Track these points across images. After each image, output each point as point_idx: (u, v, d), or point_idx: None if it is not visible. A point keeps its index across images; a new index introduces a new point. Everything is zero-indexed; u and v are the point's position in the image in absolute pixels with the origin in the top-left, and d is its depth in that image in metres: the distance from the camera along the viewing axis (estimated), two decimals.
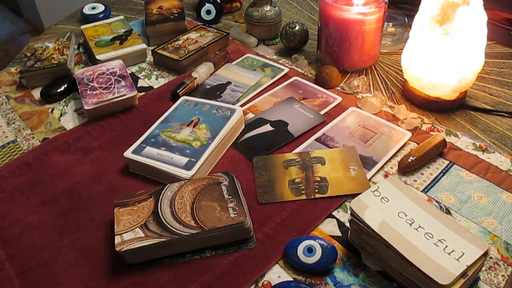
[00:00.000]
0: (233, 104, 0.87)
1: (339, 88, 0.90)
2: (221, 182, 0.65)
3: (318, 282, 0.57)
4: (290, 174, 0.71)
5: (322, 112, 0.84)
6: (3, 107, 0.90)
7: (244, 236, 0.61)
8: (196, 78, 0.91)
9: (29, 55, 0.97)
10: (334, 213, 0.65)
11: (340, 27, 0.90)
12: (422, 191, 0.68)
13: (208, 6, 1.14)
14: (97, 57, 0.97)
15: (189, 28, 1.08)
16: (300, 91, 0.90)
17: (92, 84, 0.88)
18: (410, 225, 0.54)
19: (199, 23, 1.12)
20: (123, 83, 0.88)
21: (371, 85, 0.92)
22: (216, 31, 1.06)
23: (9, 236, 0.65)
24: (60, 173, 0.74)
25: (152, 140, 0.75)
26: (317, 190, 0.68)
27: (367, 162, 0.72)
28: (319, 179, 0.70)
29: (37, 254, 0.62)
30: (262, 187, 0.69)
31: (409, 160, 0.70)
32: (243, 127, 0.81)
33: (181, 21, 1.08)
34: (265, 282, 0.57)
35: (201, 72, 0.93)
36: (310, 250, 0.58)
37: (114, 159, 0.76)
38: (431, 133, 0.78)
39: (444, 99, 0.82)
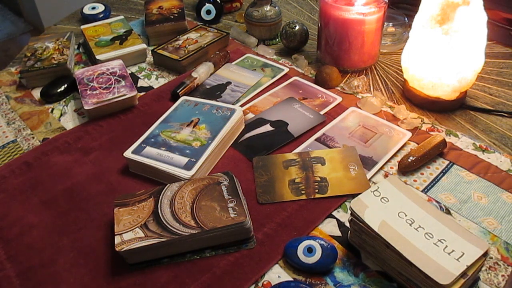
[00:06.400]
0: (233, 104, 0.87)
1: (339, 88, 0.91)
2: (221, 182, 0.65)
3: (318, 282, 0.57)
4: (290, 174, 0.71)
5: (322, 112, 0.84)
6: (3, 107, 0.90)
7: (244, 236, 0.61)
8: (196, 78, 0.91)
9: (29, 55, 0.97)
10: (334, 213, 0.65)
11: (340, 27, 0.90)
12: (422, 191, 0.68)
13: (208, 6, 1.14)
14: (97, 57, 0.97)
15: (189, 28, 1.08)
16: (300, 91, 0.90)
17: (92, 84, 0.88)
18: (410, 225, 0.54)
19: (199, 23, 1.12)
20: (123, 83, 0.88)
21: (371, 85, 0.92)
22: (216, 31, 1.06)
23: (9, 236, 0.65)
24: (60, 173, 0.74)
25: (152, 140, 0.75)
26: (317, 190, 0.68)
27: (367, 162, 0.72)
28: (319, 179, 0.70)
29: (37, 254, 0.62)
30: (262, 187, 0.69)
31: (409, 160, 0.70)
32: (243, 127, 0.81)
33: (181, 21, 1.08)
34: (265, 282, 0.57)
35: (201, 72, 0.93)
36: (310, 250, 0.58)
37: (114, 159, 0.76)
38: (431, 133, 0.78)
39: (444, 99, 0.82)
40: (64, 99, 0.91)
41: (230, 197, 0.62)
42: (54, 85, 0.92)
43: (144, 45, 1.01)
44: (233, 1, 1.20)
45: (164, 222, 0.60)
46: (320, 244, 0.58)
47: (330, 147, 0.76)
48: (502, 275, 0.56)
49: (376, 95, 0.86)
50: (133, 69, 1.00)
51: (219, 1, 1.16)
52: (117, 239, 0.58)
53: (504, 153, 0.73)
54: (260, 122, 0.82)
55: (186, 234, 0.58)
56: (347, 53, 0.93)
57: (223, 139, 0.75)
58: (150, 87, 0.94)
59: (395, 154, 0.74)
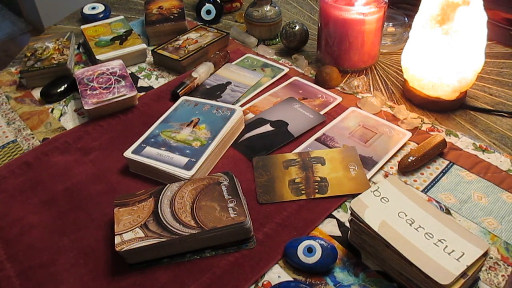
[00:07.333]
0: (233, 104, 0.87)
1: (339, 88, 0.91)
2: (221, 182, 0.65)
3: (318, 282, 0.57)
4: (290, 174, 0.71)
5: (322, 112, 0.84)
6: (3, 107, 0.90)
7: (244, 236, 0.61)
8: (196, 78, 0.91)
9: (29, 55, 0.97)
10: (334, 213, 0.65)
11: (340, 27, 0.90)
12: (422, 191, 0.68)
13: (208, 6, 1.14)
14: (97, 57, 0.97)
15: (189, 28, 1.08)
16: (300, 91, 0.90)
17: (92, 84, 0.88)
18: (410, 225, 0.54)
19: (199, 23, 1.12)
20: (123, 83, 0.88)
21: (371, 85, 0.92)
22: (216, 31, 1.06)
23: (9, 236, 0.65)
24: (60, 173, 0.74)
25: (152, 140, 0.75)
26: (317, 190, 0.68)
27: (367, 162, 0.72)
28: (319, 179, 0.70)
29: (37, 254, 0.62)
30: (262, 187, 0.69)
31: (409, 160, 0.70)
32: (243, 127, 0.81)
33: (181, 21, 1.08)
34: (265, 282, 0.57)
35: (201, 72, 0.93)
36: (310, 250, 0.58)
37: (114, 159, 0.76)
38: (431, 133, 0.78)
39: (444, 99, 0.82)
40: (64, 99, 0.91)
41: (230, 197, 0.62)
42: (54, 85, 0.92)
43: (144, 45, 1.01)
44: (233, 1, 1.20)
45: (164, 222, 0.60)
46: (320, 244, 0.58)
47: (330, 147, 0.76)
48: (502, 275, 0.56)
49: (376, 95, 0.86)
50: (133, 69, 1.00)
51: (219, 1, 1.16)
52: (117, 239, 0.58)
53: (504, 153, 0.73)
54: (260, 122, 0.82)
55: (186, 234, 0.58)
56: (347, 53, 0.93)
57: (223, 139, 0.75)
58: (150, 87, 0.94)
59: (395, 154, 0.74)
